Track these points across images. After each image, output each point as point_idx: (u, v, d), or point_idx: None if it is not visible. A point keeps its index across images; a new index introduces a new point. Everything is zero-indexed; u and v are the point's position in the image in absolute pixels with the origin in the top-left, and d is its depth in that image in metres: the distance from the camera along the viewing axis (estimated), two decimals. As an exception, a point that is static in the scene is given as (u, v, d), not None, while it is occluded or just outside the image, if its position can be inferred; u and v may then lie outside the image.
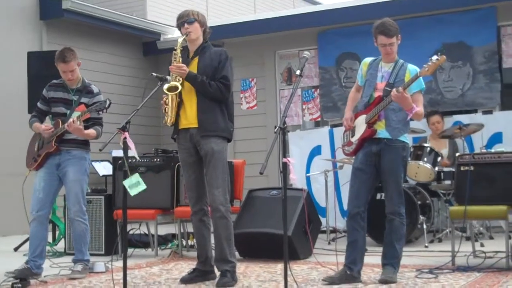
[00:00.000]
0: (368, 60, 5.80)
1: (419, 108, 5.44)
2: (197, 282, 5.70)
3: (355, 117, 5.76)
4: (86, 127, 6.19)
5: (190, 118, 5.65)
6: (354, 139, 5.74)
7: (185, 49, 5.82)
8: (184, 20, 5.70)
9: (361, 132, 5.66)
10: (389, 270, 5.51)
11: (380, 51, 5.64)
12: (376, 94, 5.60)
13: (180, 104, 5.68)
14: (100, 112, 6.13)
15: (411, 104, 5.33)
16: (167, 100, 5.66)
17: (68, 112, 6.27)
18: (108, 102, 6.00)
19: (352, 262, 5.57)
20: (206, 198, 5.76)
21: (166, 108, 5.67)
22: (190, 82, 5.60)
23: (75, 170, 6.27)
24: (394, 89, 5.34)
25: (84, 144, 6.35)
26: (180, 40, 5.74)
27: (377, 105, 5.52)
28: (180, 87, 5.59)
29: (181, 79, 5.61)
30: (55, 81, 6.47)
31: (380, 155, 5.57)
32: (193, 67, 5.68)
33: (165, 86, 5.61)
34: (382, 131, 5.56)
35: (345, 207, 9.08)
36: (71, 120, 6.04)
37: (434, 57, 5.23)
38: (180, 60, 5.70)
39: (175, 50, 5.74)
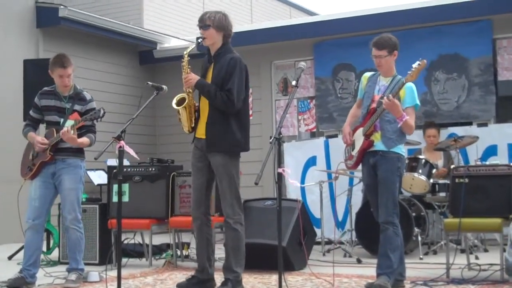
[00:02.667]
0: (368, 74, 5.98)
1: (410, 120, 5.55)
2: None
3: (353, 132, 5.92)
4: (79, 135, 6.17)
5: (201, 129, 5.70)
6: (355, 152, 5.89)
7: (208, 53, 5.80)
8: (199, 25, 5.67)
9: (360, 145, 5.77)
10: (383, 279, 5.54)
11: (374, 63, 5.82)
12: (373, 105, 5.75)
13: (198, 111, 5.73)
14: (95, 121, 6.13)
15: (401, 112, 5.47)
16: (179, 111, 5.70)
17: (61, 120, 6.25)
18: (102, 111, 6.01)
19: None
20: (208, 207, 5.82)
21: (180, 118, 5.71)
22: (198, 90, 5.64)
23: (71, 178, 6.26)
24: (385, 97, 5.48)
25: (79, 152, 6.34)
26: (186, 52, 5.69)
27: (372, 116, 5.69)
28: (187, 99, 5.61)
29: (191, 90, 5.64)
30: (46, 88, 6.44)
31: (376, 166, 5.70)
32: (210, 73, 5.70)
33: (174, 100, 5.64)
34: (378, 143, 5.70)
35: (340, 218, 9.18)
36: (65, 129, 6.03)
37: (416, 63, 5.39)
38: (188, 70, 5.67)
39: (183, 61, 5.71)
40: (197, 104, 5.75)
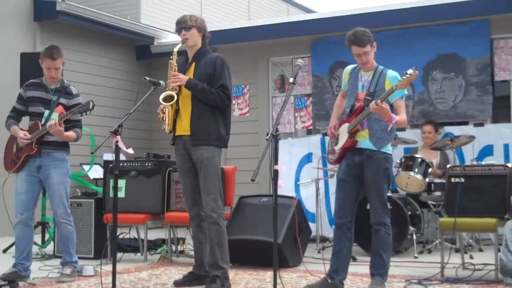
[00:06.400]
0: (348, 69, 5.77)
1: (400, 117, 5.37)
2: (190, 285, 5.76)
3: (339, 125, 5.75)
4: (65, 129, 6.09)
5: (184, 126, 5.68)
6: (337, 148, 5.73)
7: (185, 54, 5.82)
8: (181, 26, 5.70)
9: (343, 141, 5.64)
10: (377, 280, 5.51)
11: (357, 61, 5.62)
12: (358, 104, 5.58)
13: (177, 111, 5.70)
14: (83, 114, 6.01)
15: (390, 115, 5.27)
16: (164, 109, 5.67)
17: (46, 112, 6.18)
18: (91, 104, 5.90)
19: (334, 271, 5.58)
20: (203, 205, 5.77)
21: (163, 117, 5.69)
22: (190, 90, 5.60)
23: (58, 172, 6.20)
24: (372, 102, 5.29)
25: (64, 146, 6.28)
26: (176, 49, 5.72)
27: (358, 116, 5.50)
28: (175, 96, 5.61)
29: (177, 88, 5.62)
30: (33, 80, 6.39)
31: (363, 166, 5.55)
32: (191, 73, 5.70)
33: (161, 96, 5.63)
34: (365, 141, 5.53)
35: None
36: (53, 121, 5.97)
37: (409, 71, 5.12)
38: (176, 69, 5.69)
39: (171, 59, 5.73)
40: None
